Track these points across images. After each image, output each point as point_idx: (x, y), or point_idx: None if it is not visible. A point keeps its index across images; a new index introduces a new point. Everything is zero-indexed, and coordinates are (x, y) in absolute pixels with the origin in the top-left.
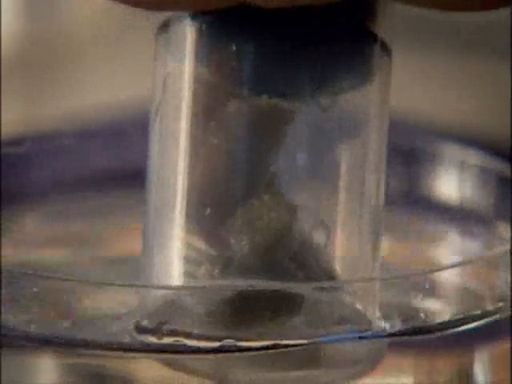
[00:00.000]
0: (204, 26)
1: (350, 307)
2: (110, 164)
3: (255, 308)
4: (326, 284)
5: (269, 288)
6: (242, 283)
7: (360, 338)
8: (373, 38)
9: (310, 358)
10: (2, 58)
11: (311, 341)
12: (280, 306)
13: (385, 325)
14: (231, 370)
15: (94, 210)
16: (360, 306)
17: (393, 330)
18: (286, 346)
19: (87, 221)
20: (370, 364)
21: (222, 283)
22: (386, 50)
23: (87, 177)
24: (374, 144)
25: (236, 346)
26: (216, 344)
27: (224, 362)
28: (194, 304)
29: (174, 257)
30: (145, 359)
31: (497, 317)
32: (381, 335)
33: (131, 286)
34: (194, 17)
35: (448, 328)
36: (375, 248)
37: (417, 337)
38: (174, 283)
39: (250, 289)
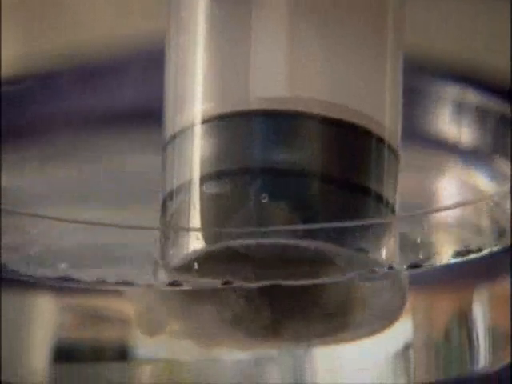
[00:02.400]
0: None
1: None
2: (111, 101)
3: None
4: (335, 225)
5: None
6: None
7: (367, 274)
8: None
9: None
10: None
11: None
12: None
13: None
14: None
15: (95, 148)
16: (368, 245)
17: (395, 265)
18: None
19: (87, 158)
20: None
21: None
22: None
23: (88, 114)
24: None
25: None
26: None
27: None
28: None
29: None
30: (143, 298)
31: (496, 250)
32: (384, 269)
33: (138, 228)
34: None
35: (448, 261)
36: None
37: (417, 270)
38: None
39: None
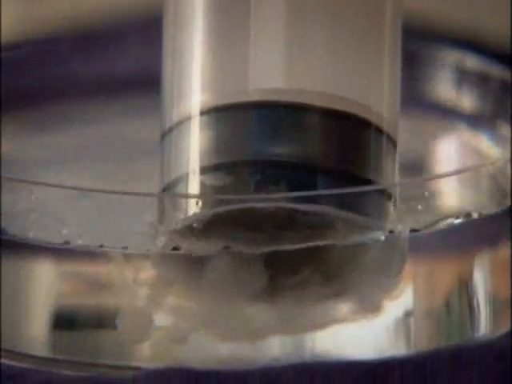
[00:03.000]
0: None
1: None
2: (110, 67)
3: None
4: (336, 191)
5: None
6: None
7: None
8: None
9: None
10: None
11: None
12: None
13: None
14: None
15: (94, 112)
16: (367, 210)
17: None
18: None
19: (86, 123)
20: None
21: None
22: None
23: (87, 80)
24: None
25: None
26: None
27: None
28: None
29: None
30: (143, 264)
31: (496, 214)
32: (382, 232)
33: (137, 194)
34: None
35: (449, 226)
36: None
37: (417, 233)
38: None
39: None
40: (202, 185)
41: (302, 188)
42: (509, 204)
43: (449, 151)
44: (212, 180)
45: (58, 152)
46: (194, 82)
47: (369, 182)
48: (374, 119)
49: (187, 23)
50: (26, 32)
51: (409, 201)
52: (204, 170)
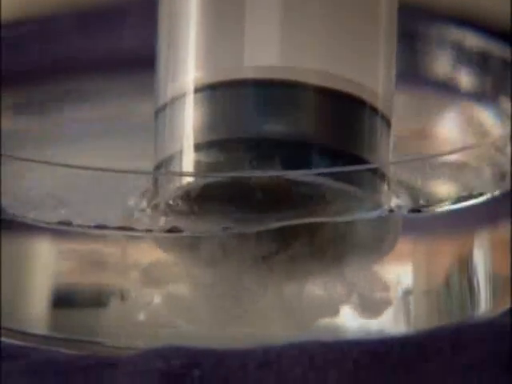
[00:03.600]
0: None
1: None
2: (111, 45)
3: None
4: (336, 169)
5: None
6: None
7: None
8: None
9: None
10: None
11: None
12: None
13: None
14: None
15: (96, 90)
16: (370, 187)
17: (395, 208)
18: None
19: (87, 100)
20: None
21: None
22: None
23: (87, 57)
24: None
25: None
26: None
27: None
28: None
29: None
30: (141, 244)
31: (497, 194)
32: (384, 211)
33: (135, 172)
34: None
35: (449, 206)
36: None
37: (418, 213)
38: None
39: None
40: (196, 162)
41: (295, 165)
42: (509, 184)
43: (449, 128)
44: (206, 157)
45: (58, 129)
46: (188, 59)
47: (362, 160)
48: (368, 97)
49: (182, 1)
50: (27, 10)
51: (408, 180)
52: (198, 147)
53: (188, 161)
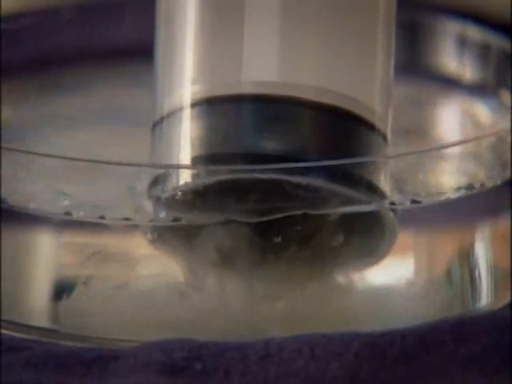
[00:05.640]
0: None
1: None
2: (111, 37)
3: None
4: (338, 162)
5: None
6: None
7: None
8: None
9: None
10: None
11: (330, 211)
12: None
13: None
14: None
15: (93, 81)
16: (369, 181)
17: (396, 201)
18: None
19: (85, 93)
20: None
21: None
22: None
23: (85, 50)
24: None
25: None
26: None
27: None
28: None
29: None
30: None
31: (498, 185)
32: (385, 204)
33: (135, 165)
34: None
35: (450, 197)
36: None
37: (419, 205)
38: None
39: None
40: (193, 175)
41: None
42: (509, 175)
43: (450, 120)
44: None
45: (56, 120)
46: (186, 73)
47: (360, 178)
48: (365, 114)
49: (180, 14)
50: (26, 3)
51: (410, 172)
52: (194, 161)
53: (184, 173)
